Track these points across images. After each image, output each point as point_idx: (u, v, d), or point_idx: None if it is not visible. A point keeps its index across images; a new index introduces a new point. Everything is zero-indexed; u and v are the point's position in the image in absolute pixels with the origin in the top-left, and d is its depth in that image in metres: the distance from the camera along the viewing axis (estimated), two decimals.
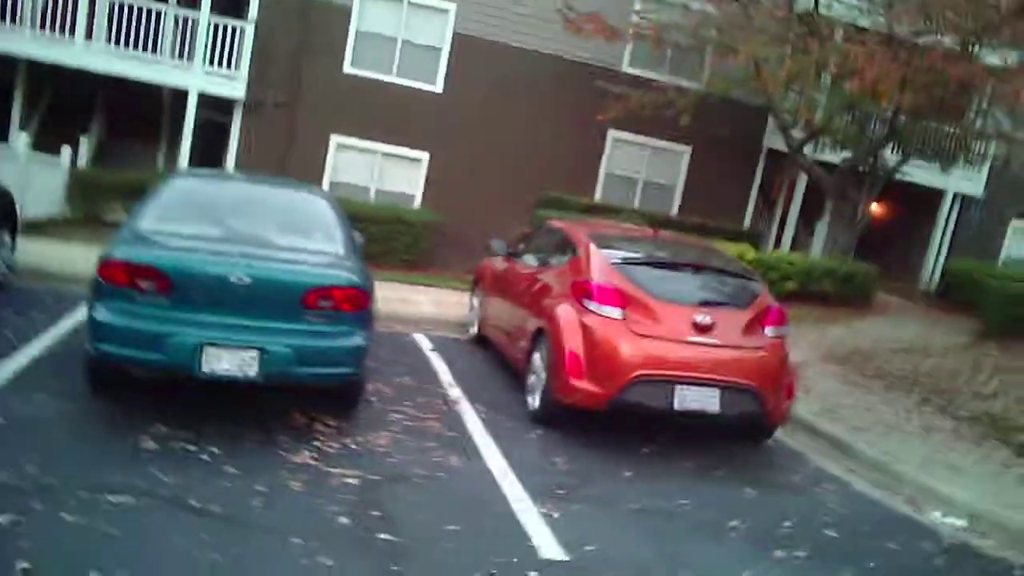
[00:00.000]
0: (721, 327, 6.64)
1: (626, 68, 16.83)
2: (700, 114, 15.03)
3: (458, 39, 16.35)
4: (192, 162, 15.05)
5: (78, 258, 10.05)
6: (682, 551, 4.98)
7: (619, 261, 6.94)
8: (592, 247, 7.17)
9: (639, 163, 17.75)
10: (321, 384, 6.03)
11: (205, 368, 5.35)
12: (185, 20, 14.86)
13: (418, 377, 7.67)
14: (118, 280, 5.35)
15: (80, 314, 7.83)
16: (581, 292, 6.76)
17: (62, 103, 16.16)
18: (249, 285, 5.44)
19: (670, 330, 6.54)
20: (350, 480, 5.16)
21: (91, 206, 13.51)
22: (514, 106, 16.64)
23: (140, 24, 14.53)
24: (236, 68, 15.01)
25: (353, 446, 5.75)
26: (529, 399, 7.10)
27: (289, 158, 15.57)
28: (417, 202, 16.38)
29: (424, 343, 8.91)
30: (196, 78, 14.79)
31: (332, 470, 5.26)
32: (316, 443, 5.67)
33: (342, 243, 6.45)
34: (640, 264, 6.99)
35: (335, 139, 16.21)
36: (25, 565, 3.63)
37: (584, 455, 6.32)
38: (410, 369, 7.81)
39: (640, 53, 16.56)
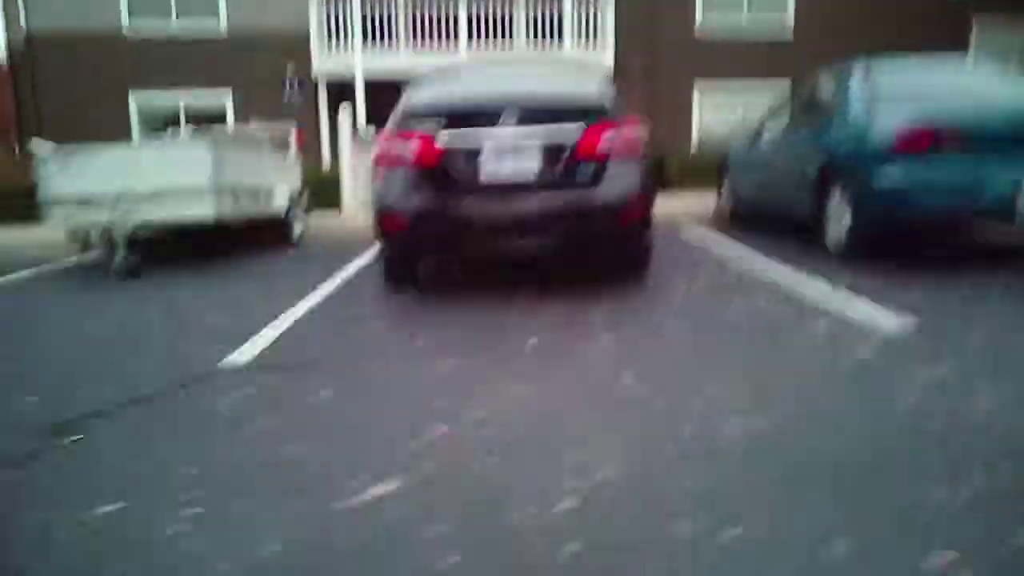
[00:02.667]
0: None
1: None
2: None
3: None
4: None
5: None
6: None
7: None
8: None
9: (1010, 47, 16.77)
10: None
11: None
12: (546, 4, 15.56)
13: None
14: (920, 145, 5.61)
15: None
16: None
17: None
18: None
19: None
20: None
21: None
22: (863, 13, 16.42)
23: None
24: (602, 38, 15.59)
25: None
26: None
27: (659, 109, 16.01)
28: None
29: None
30: (570, 56, 15.43)
31: None
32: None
33: None
34: None
35: (699, 85, 16.60)
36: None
37: None
38: None
39: None
